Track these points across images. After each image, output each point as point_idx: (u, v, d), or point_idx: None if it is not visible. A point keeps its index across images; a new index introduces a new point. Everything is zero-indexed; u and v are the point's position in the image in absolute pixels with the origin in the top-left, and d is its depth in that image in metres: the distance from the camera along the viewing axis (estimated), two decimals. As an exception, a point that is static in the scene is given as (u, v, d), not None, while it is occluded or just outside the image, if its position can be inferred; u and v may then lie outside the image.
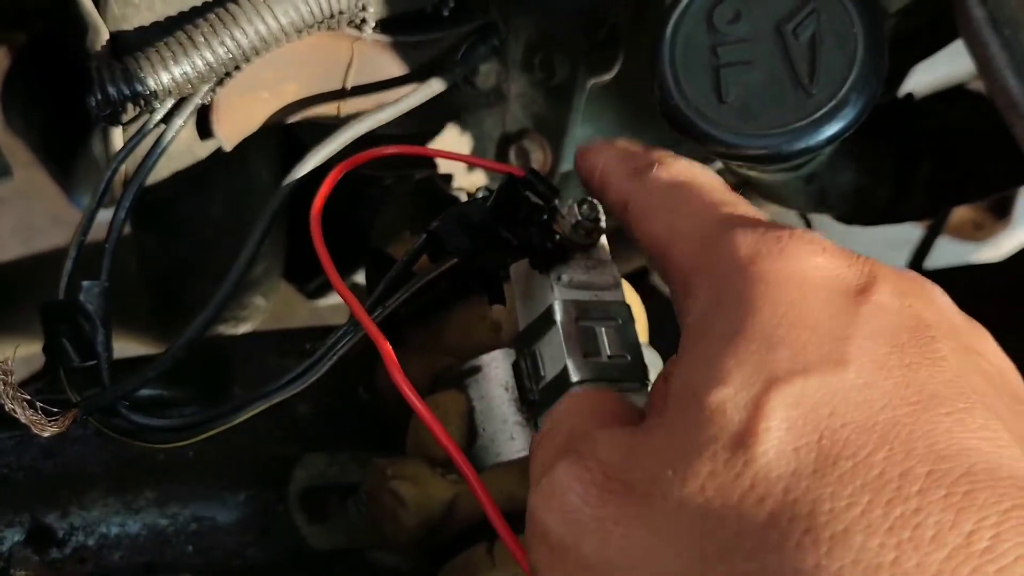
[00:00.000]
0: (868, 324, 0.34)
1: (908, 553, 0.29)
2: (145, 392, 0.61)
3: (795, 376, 0.33)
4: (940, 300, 0.38)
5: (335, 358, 0.52)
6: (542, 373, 0.53)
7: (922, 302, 0.36)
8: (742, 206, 0.41)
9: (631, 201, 0.44)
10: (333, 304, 1.10)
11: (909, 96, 0.73)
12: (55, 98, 1.00)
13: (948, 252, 1.42)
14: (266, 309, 0.83)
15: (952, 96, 0.88)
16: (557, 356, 0.50)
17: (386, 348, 0.47)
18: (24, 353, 0.93)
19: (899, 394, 0.32)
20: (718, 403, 0.33)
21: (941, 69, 1.15)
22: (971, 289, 0.97)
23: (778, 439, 0.32)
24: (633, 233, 0.43)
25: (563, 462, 0.36)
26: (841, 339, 0.34)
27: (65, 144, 1.00)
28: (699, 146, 0.54)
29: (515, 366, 0.56)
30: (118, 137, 0.58)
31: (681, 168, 0.44)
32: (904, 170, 0.71)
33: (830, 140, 0.51)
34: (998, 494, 0.29)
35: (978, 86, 1.11)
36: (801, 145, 0.52)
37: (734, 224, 0.38)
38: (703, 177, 0.43)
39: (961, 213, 1.55)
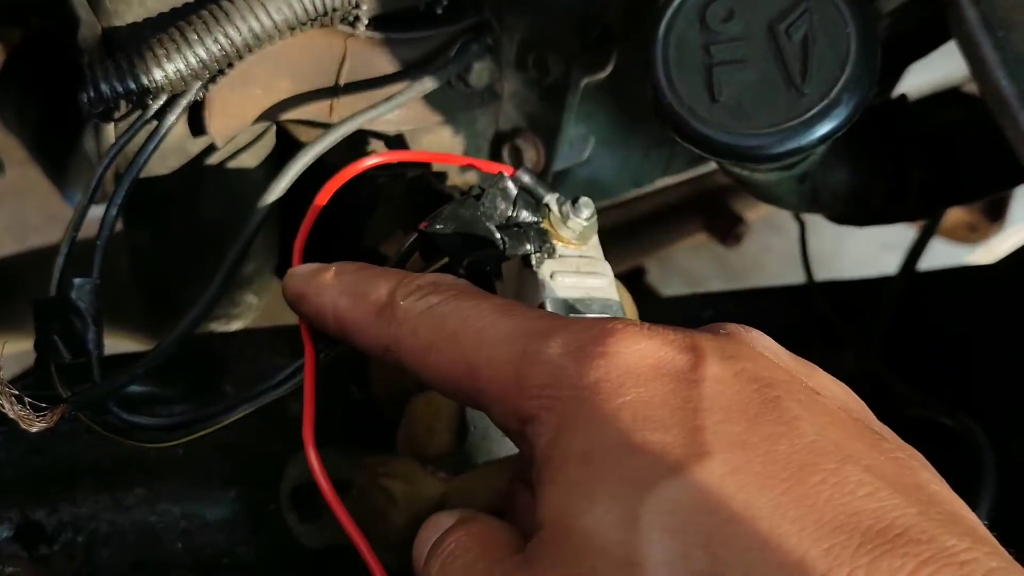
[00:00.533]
0: (714, 405, 0.33)
1: None
2: (136, 389, 0.61)
3: (663, 480, 0.32)
4: (765, 348, 0.37)
5: (328, 359, 0.51)
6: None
7: (751, 361, 0.35)
8: (522, 311, 0.39)
9: (394, 343, 0.40)
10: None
11: (903, 97, 0.73)
12: (49, 96, 1.00)
13: (942, 254, 1.42)
14: (258, 307, 0.83)
15: (946, 98, 0.88)
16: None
17: (309, 411, 0.46)
18: (15, 350, 0.93)
19: (769, 472, 0.31)
20: (592, 528, 0.32)
21: (935, 72, 1.15)
22: (965, 291, 0.98)
23: (666, 550, 0.30)
24: (413, 369, 0.40)
25: None
26: (695, 429, 0.33)
27: (59, 142, 1.00)
28: (691, 145, 0.54)
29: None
30: (110, 134, 0.58)
31: (428, 289, 0.41)
32: (897, 171, 0.71)
33: (822, 139, 0.51)
34: (899, 556, 0.29)
35: (972, 88, 1.11)
36: (793, 144, 0.52)
37: (540, 335, 0.36)
38: (460, 293, 0.41)
39: (955, 215, 1.55)
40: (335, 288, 0.43)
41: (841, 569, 0.29)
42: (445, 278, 0.42)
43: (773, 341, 0.38)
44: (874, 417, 0.37)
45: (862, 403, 0.38)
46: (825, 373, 0.38)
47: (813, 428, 0.33)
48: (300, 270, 0.45)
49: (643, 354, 0.35)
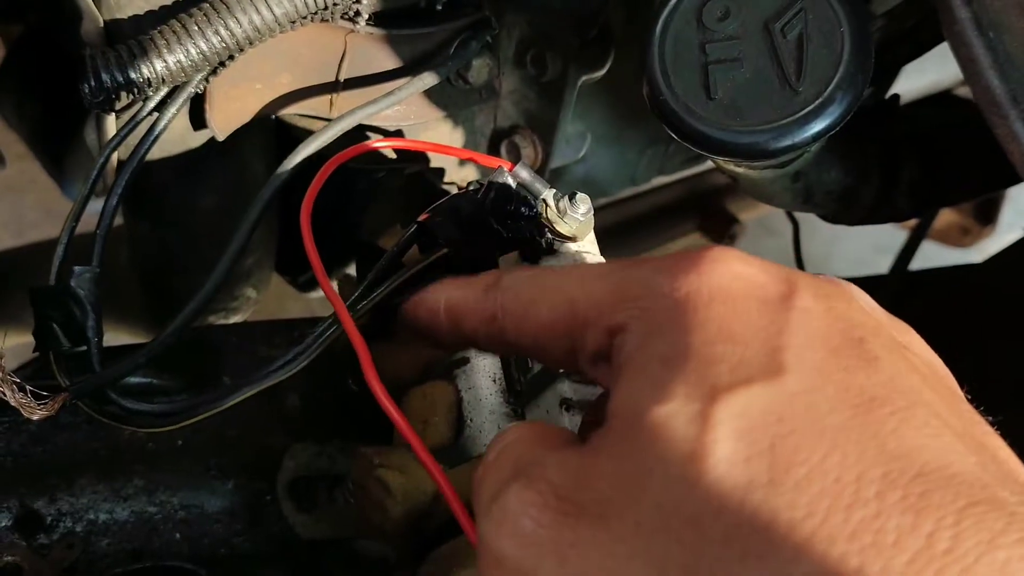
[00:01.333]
0: (799, 331, 0.34)
1: (871, 559, 0.29)
2: (136, 380, 0.62)
3: (738, 387, 0.33)
4: (861, 299, 0.38)
5: (323, 346, 0.52)
6: (530, 364, 0.54)
7: (844, 303, 0.36)
8: (623, 260, 0.40)
9: (499, 310, 0.43)
10: (324, 297, 1.10)
11: (895, 98, 0.74)
12: (48, 91, 1.00)
13: (934, 257, 1.43)
14: (257, 300, 0.83)
15: (938, 101, 0.89)
16: (545, 347, 0.51)
17: (362, 348, 0.46)
18: (13, 344, 0.93)
19: (841, 398, 0.32)
20: (664, 419, 0.33)
21: (928, 75, 1.16)
22: (953, 289, 0.98)
23: (729, 450, 0.31)
24: (514, 330, 0.42)
25: (513, 487, 0.35)
26: (776, 349, 0.34)
27: (58, 137, 1.00)
28: (687, 142, 0.54)
29: (503, 358, 0.56)
30: (111, 125, 0.59)
31: (531, 267, 0.44)
32: (889, 171, 0.71)
33: (816, 137, 0.52)
34: (952, 493, 0.29)
35: (964, 92, 1.12)
36: (787, 142, 0.52)
37: (637, 264, 0.38)
38: (556, 266, 0.42)
39: (947, 218, 1.56)
40: (446, 286, 0.47)
41: (894, 493, 0.30)
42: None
43: (869, 298, 0.39)
44: (956, 383, 0.38)
45: (947, 370, 0.38)
46: (919, 337, 0.39)
47: (891, 370, 0.34)
48: (416, 296, 0.49)
49: (736, 276, 0.36)
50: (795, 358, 0.33)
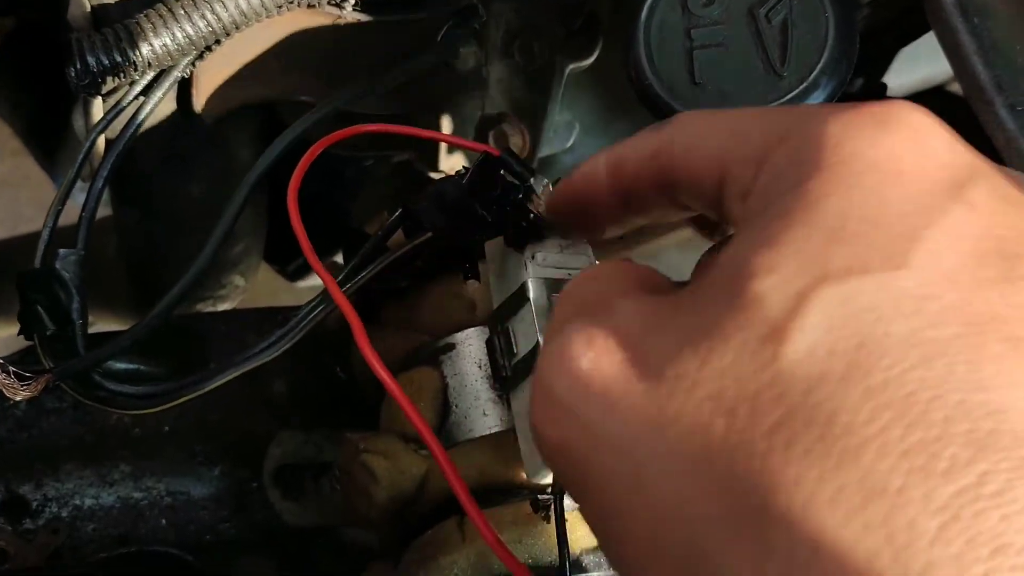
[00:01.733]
0: (950, 227, 0.30)
1: (916, 482, 0.27)
2: (122, 366, 0.62)
3: (849, 275, 0.29)
4: None
5: (307, 327, 0.52)
6: (515, 350, 0.54)
7: (1021, 212, 0.32)
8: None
9: (661, 145, 0.39)
10: (313, 286, 1.10)
11: (883, 87, 0.74)
12: (42, 85, 1.00)
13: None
14: (245, 289, 0.83)
15: (929, 95, 0.89)
16: (530, 333, 0.51)
17: (356, 321, 0.47)
18: (7, 335, 0.93)
19: (958, 311, 0.29)
20: (760, 290, 0.30)
21: (920, 71, 1.16)
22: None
23: (813, 339, 0.29)
24: (673, 166, 0.39)
25: (578, 323, 0.34)
26: (913, 240, 0.30)
27: (52, 131, 1.01)
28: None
29: (489, 343, 0.57)
30: (98, 109, 0.59)
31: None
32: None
33: (800, 122, 0.52)
34: (1022, 440, 0.27)
35: (956, 88, 1.12)
36: (771, 127, 0.52)
37: (816, 110, 0.34)
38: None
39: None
40: (603, 151, 0.43)
41: (962, 424, 0.27)
42: None
43: None
44: None
45: None
46: None
47: None
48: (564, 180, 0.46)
49: (913, 149, 0.32)
50: (927, 255, 0.30)
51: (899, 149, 0.31)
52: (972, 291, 0.29)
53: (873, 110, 0.32)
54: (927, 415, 0.27)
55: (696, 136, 0.38)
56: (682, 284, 0.37)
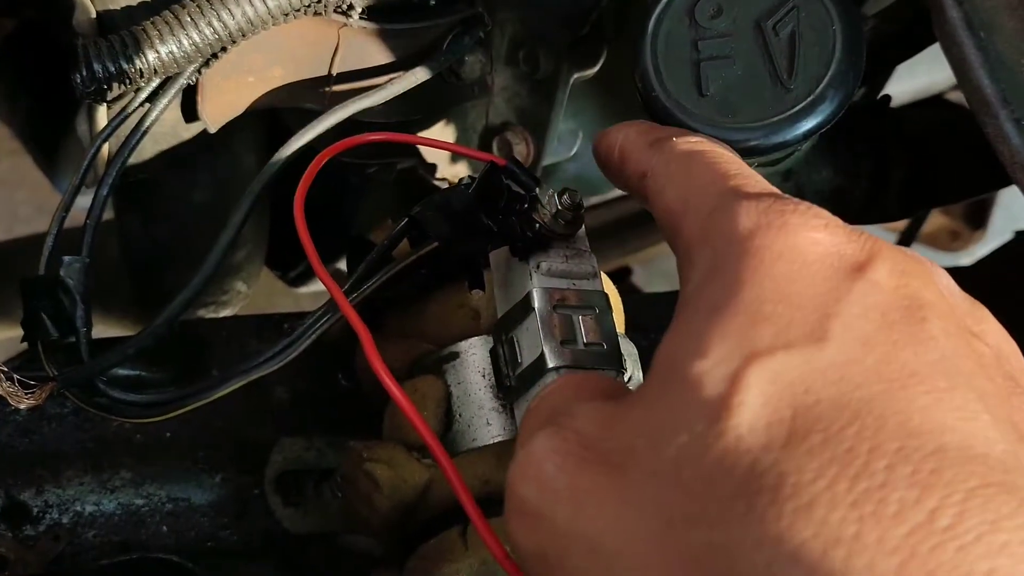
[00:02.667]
0: (859, 301, 0.34)
1: (869, 527, 0.29)
2: (124, 372, 0.62)
3: (775, 352, 0.33)
4: (941, 280, 0.37)
5: (313, 337, 0.52)
6: (519, 359, 0.54)
7: (921, 281, 0.35)
8: (754, 178, 0.41)
9: (650, 171, 0.44)
10: (314, 292, 1.10)
11: (887, 98, 0.74)
12: (41, 85, 1.00)
13: (924, 261, 1.43)
14: (247, 295, 0.83)
15: (930, 103, 0.89)
16: (534, 343, 0.51)
17: (363, 331, 0.47)
18: (5, 337, 0.93)
19: (879, 371, 0.32)
20: (697, 375, 0.33)
21: (920, 79, 1.17)
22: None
23: (752, 414, 0.32)
24: (650, 204, 0.44)
25: (542, 433, 0.37)
26: (827, 315, 0.33)
27: (50, 132, 1.00)
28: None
29: (493, 352, 0.56)
30: (102, 116, 0.59)
31: (699, 139, 0.44)
32: (880, 171, 0.72)
33: (807, 135, 0.52)
34: (966, 472, 0.29)
35: (955, 96, 1.13)
36: (778, 139, 0.52)
37: (741, 195, 0.38)
38: (717, 149, 0.44)
39: (937, 222, 1.56)
40: (631, 126, 0.48)
41: (905, 467, 0.29)
42: (719, 147, 0.45)
43: (952, 280, 0.38)
44: None
45: None
46: (997, 323, 0.38)
47: (944, 352, 0.33)
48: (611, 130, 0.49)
49: (816, 241, 0.35)
50: (843, 327, 0.33)
51: (804, 240, 0.35)
52: (888, 353, 0.32)
53: (784, 210, 0.36)
54: (869, 465, 0.30)
55: (666, 184, 0.43)
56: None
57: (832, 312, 0.33)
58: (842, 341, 0.33)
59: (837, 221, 0.37)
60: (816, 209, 0.37)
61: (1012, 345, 0.38)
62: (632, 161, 0.46)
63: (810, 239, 0.35)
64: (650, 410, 0.35)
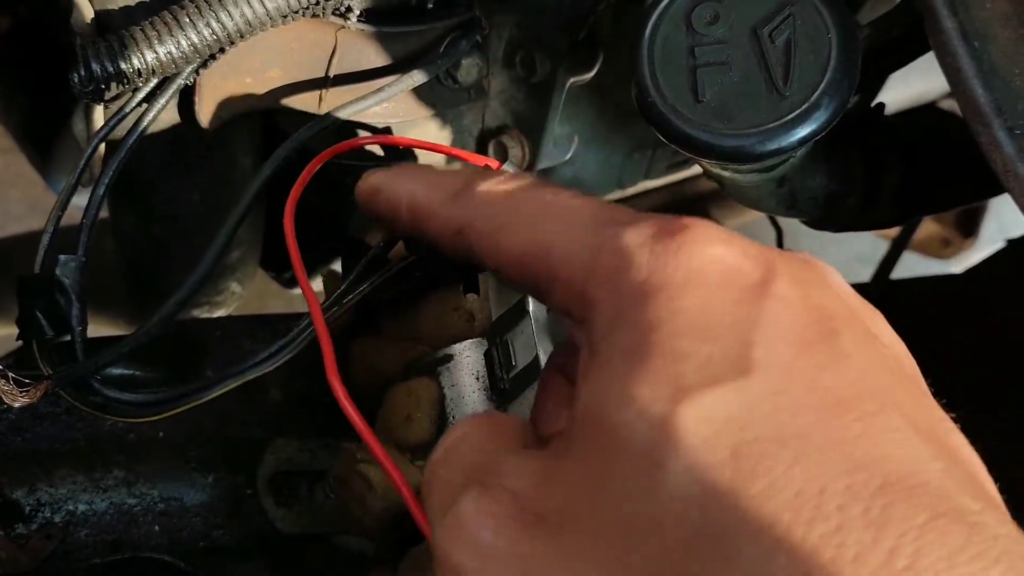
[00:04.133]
0: (772, 323, 0.33)
1: (830, 575, 0.28)
2: (118, 371, 0.62)
3: (703, 390, 0.31)
4: (836, 283, 0.37)
5: (307, 339, 0.52)
6: (513, 362, 0.54)
7: (820, 290, 0.35)
8: (608, 204, 0.38)
9: (467, 227, 0.40)
10: (307, 294, 1.10)
11: (880, 106, 0.75)
12: (36, 84, 1.00)
13: (915, 269, 1.44)
14: (241, 295, 0.83)
15: (923, 111, 0.90)
16: (528, 345, 0.51)
17: (328, 349, 0.45)
18: (-2, 335, 0.93)
19: (807, 400, 0.31)
20: (625, 424, 0.32)
21: (913, 87, 1.17)
22: (933, 298, 0.99)
23: (690, 458, 0.30)
24: (481, 252, 0.40)
25: (469, 494, 0.34)
26: (747, 343, 0.32)
27: (45, 131, 1.00)
28: (675, 144, 0.55)
29: (487, 355, 0.57)
30: (99, 116, 0.59)
31: (505, 178, 0.41)
32: (873, 178, 0.72)
33: (802, 141, 0.53)
34: (914, 506, 0.29)
35: (948, 104, 1.13)
36: (773, 146, 0.53)
37: (616, 225, 0.36)
38: (536, 183, 0.40)
39: (929, 229, 1.57)
40: (412, 179, 0.44)
41: (857, 506, 0.29)
42: (520, 173, 0.42)
43: (842, 279, 0.37)
44: (922, 377, 0.37)
45: (914, 361, 0.37)
46: (886, 323, 0.38)
47: (861, 367, 0.33)
48: (375, 172, 0.46)
49: (716, 259, 0.34)
50: (764, 354, 0.32)
51: (703, 260, 0.34)
52: (813, 379, 0.32)
53: (675, 231, 0.34)
54: (821, 508, 0.29)
55: (499, 233, 0.39)
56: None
57: (750, 340, 0.32)
58: (767, 370, 0.32)
59: (725, 231, 0.35)
60: (703, 225, 0.35)
61: (903, 345, 0.38)
62: (435, 219, 0.42)
63: (710, 258, 0.34)
64: (582, 465, 0.33)
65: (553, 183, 0.41)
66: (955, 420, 0.35)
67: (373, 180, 0.46)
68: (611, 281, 0.35)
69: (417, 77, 0.64)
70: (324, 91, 0.64)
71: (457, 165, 0.75)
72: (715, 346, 0.32)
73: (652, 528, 0.30)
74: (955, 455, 0.33)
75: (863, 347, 0.34)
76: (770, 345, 0.32)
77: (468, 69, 0.68)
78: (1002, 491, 0.34)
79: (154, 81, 0.56)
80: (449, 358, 0.59)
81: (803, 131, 0.52)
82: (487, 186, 0.40)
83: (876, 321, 0.37)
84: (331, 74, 0.64)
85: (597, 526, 0.31)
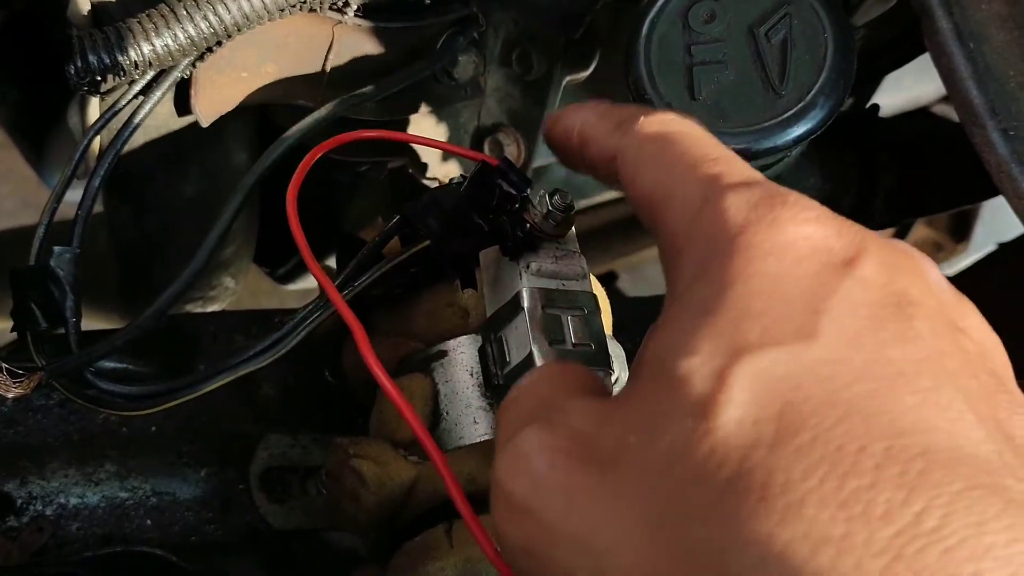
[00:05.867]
0: (847, 297, 0.34)
1: (858, 528, 0.29)
2: (111, 365, 0.62)
3: (763, 349, 0.32)
4: (930, 274, 0.37)
5: (303, 333, 0.52)
6: (507, 359, 0.54)
7: (909, 277, 0.35)
8: (735, 162, 0.40)
9: (619, 154, 0.42)
10: (301, 289, 1.10)
11: (875, 107, 0.75)
12: (28, 78, 1.00)
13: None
14: (235, 291, 0.83)
15: (916, 115, 0.90)
16: (523, 342, 0.51)
17: (358, 328, 0.47)
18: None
19: (867, 371, 0.32)
20: (685, 372, 0.33)
21: (906, 92, 1.18)
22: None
23: (739, 411, 0.32)
24: (624, 187, 0.43)
25: (531, 428, 0.36)
26: (816, 312, 0.33)
27: (38, 125, 1.00)
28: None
29: (481, 351, 0.57)
30: (95, 108, 0.59)
31: (669, 119, 0.43)
32: (867, 179, 0.72)
33: (797, 140, 0.53)
34: (952, 474, 0.29)
35: (940, 109, 1.14)
36: (769, 144, 0.53)
37: (727, 186, 0.37)
38: (692, 129, 0.42)
39: (921, 233, 1.57)
40: (588, 109, 0.45)
41: (893, 467, 0.29)
42: (693, 127, 0.42)
43: (939, 273, 0.37)
44: (1013, 377, 0.37)
45: (1007, 360, 0.37)
46: (982, 319, 0.38)
47: (931, 349, 0.33)
48: (564, 108, 0.47)
49: (807, 235, 0.35)
50: (832, 323, 0.33)
51: (791, 235, 0.35)
52: (877, 351, 0.32)
53: (774, 203, 0.36)
54: (858, 464, 0.30)
55: (639, 171, 0.41)
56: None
57: (821, 309, 0.33)
58: (830, 338, 0.33)
59: (827, 212, 0.36)
60: (805, 200, 0.36)
61: (996, 341, 0.38)
62: (596, 145, 0.44)
63: (800, 233, 0.35)
64: (640, 408, 0.35)
65: (707, 134, 0.42)
66: None
67: (556, 115, 0.48)
68: (705, 236, 0.36)
69: (413, 73, 0.64)
70: (320, 86, 0.64)
71: (453, 162, 0.75)
72: (785, 310, 0.33)
73: (695, 471, 0.32)
74: (1013, 443, 0.32)
75: (938, 335, 0.34)
76: (839, 317, 0.33)
77: (465, 66, 0.68)
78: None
79: (150, 74, 0.56)
80: (443, 354, 0.59)
81: (798, 130, 0.53)
82: (646, 121, 0.42)
83: (967, 315, 0.37)
84: (327, 69, 0.64)
85: (645, 468, 0.33)
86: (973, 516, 0.29)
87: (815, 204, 0.37)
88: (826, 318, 0.33)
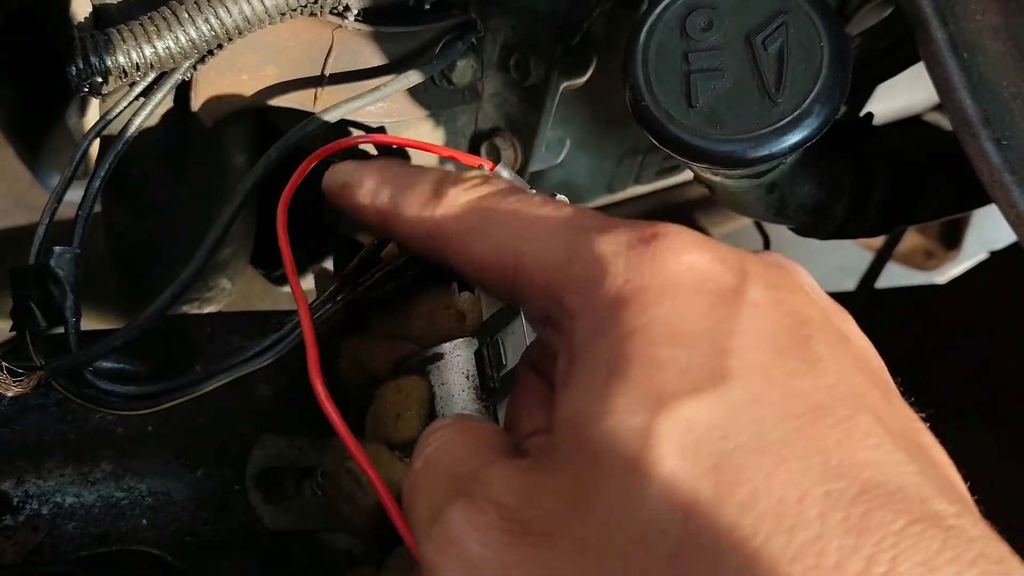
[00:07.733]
0: (747, 330, 0.33)
1: None
2: (108, 365, 0.62)
3: (681, 399, 0.32)
4: (808, 286, 0.37)
5: (298, 337, 0.52)
6: (504, 362, 0.55)
7: (792, 293, 0.35)
8: (578, 210, 0.39)
9: (439, 228, 0.41)
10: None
11: (869, 115, 0.76)
12: (26, 77, 1.00)
13: (898, 279, 1.45)
14: (232, 292, 0.83)
15: (909, 123, 0.91)
16: (519, 345, 0.51)
17: (313, 352, 0.45)
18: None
19: (785, 407, 0.32)
20: (607, 434, 0.32)
21: (899, 100, 1.19)
22: (916, 307, 1.00)
23: (673, 468, 0.31)
24: (453, 256, 0.41)
25: (455, 506, 0.35)
26: (723, 352, 0.33)
27: (34, 125, 1.00)
28: (667, 148, 0.55)
29: (477, 354, 0.57)
30: (95, 109, 0.59)
31: (480, 183, 0.41)
32: (861, 186, 0.73)
33: (793, 148, 0.53)
34: (892, 512, 0.30)
35: (933, 117, 1.14)
36: (765, 151, 0.53)
37: (592, 230, 0.36)
38: (511, 188, 0.40)
39: (913, 241, 1.59)
40: (379, 178, 0.43)
41: (836, 514, 0.30)
42: (490, 177, 0.42)
43: (813, 280, 0.38)
44: (888, 375, 0.37)
45: (880, 359, 0.38)
46: (854, 322, 0.38)
47: (835, 371, 0.33)
48: (343, 165, 0.45)
49: (689, 266, 0.34)
50: (740, 361, 0.33)
51: (678, 268, 0.34)
52: (788, 384, 0.32)
53: (649, 238, 0.35)
54: (801, 516, 0.30)
55: (470, 237, 0.39)
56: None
57: (726, 348, 0.33)
58: (744, 377, 0.32)
59: (698, 236, 0.36)
60: (673, 227, 0.36)
61: (870, 344, 0.38)
62: (405, 223, 0.42)
63: (684, 265, 0.35)
64: (566, 477, 0.33)
65: (524, 187, 0.41)
66: (924, 420, 0.35)
67: (340, 174, 0.46)
68: (588, 289, 0.35)
69: (412, 77, 0.64)
70: (319, 90, 0.65)
71: (450, 166, 0.75)
72: (692, 354, 0.33)
73: (636, 541, 0.31)
74: (928, 456, 0.33)
75: (835, 350, 0.34)
76: (746, 353, 0.33)
77: (463, 71, 0.68)
78: (989, 500, 0.35)
79: (152, 75, 0.56)
80: (439, 357, 0.60)
81: (794, 138, 0.53)
82: (458, 190, 0.40)
83: (846, 321, 0.38)
84: (327, 73, 0.64)
85: (582, 538, 0.32)
86: (920, 554, 0.29)
87: (684, 228, 0.36)
88: (734, 357, 0.33)
